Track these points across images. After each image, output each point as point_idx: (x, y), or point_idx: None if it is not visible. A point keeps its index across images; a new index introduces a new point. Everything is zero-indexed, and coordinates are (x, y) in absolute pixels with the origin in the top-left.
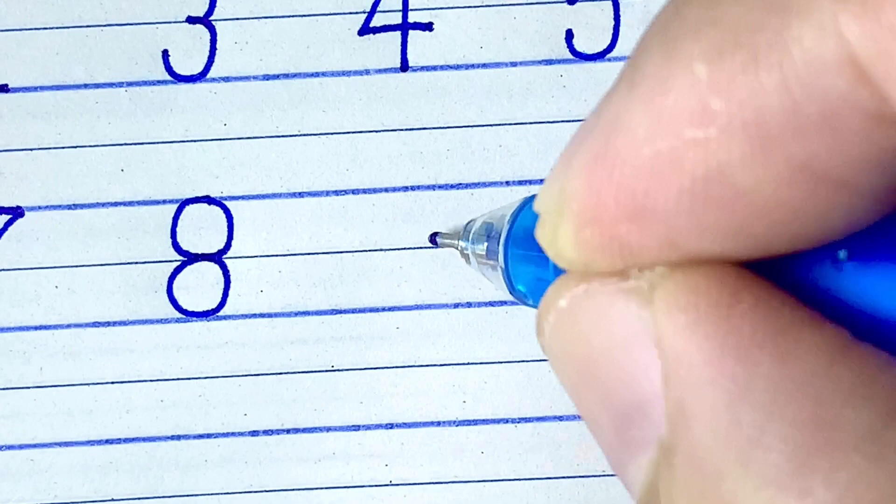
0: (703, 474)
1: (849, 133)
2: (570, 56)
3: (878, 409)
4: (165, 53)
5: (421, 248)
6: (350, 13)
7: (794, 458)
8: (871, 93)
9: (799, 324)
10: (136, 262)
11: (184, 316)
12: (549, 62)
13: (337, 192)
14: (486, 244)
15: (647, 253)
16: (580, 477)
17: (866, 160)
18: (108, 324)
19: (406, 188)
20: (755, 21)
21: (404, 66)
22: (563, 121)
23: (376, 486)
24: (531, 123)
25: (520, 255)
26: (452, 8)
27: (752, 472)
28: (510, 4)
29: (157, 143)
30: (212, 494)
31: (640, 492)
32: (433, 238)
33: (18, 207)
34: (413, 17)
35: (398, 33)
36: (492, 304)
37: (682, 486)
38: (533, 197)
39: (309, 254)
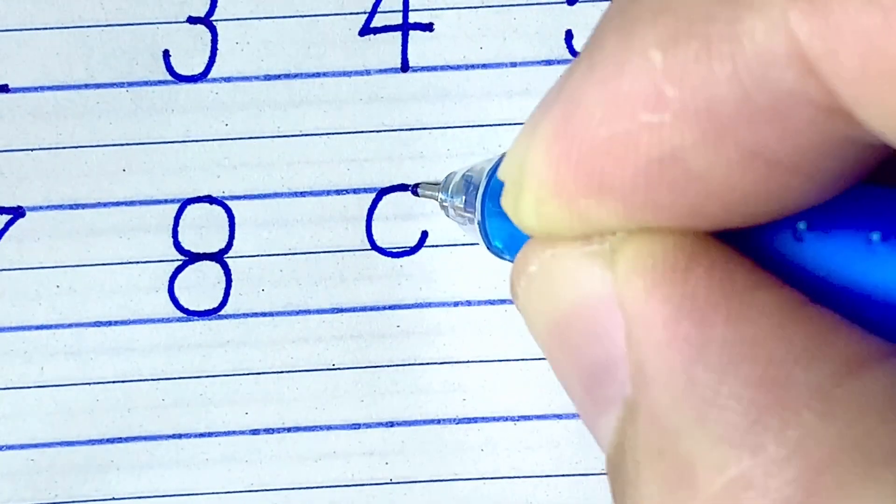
0: (663, 432)
1: (798, 123)
2: (570, 56)
3: (828, 368)
4: (166, 53)
5: (420, 247)
6: (350, 13)
7: (748, 416)
8: (819, 87)
9: (753, 286)
10: (138, 262)
11: (185, 315)
12: (548, 63)
13: (338, 192)
14: (464, 197)
15: (606, 224)
16: (580, 475)
17: (816, 148)
18: (109, 323)
19: (406, 188)
20: (709, 12)
21: (405, 67)
22: None
23: (376, 484)
24: None
25: (496, 210)
26: (453, 8)
27: (707, 430)
28: (510, 5)
29: (159, 143)
30: (213, 493)
31: (608, 448)
32: (414, 189)
33: (19, 207)
34: (413, 18)
35: (398, 34)
36: (491, 302)
37: (644, 443)
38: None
39: (310, 253)
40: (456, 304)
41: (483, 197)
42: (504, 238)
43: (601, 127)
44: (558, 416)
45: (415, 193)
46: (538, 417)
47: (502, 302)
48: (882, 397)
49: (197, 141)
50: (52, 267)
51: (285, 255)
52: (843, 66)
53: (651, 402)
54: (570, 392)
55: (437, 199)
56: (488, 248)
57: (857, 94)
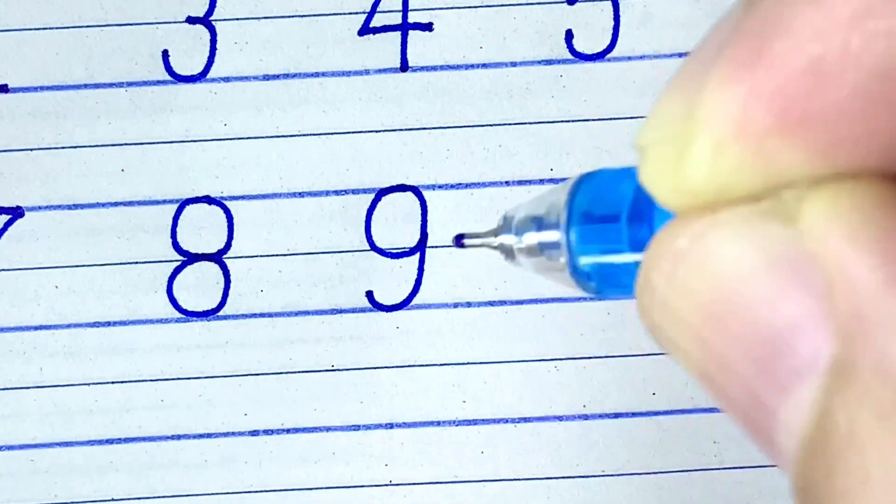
0: None
1: None
2: (570, 56)
3: None
4: (165, 53)
5: (420, 247)
6: (350, 13)
7: None
8: None
9: None
10: (137, 262)
11: (184, 316)
12: (548, 62)
13: (337, 192)
14: (536, 234)
15: (795, 171)
16: (580, 477)
17: None
18: (108, 324)
19: (406, 188)
20: None
21: (404, 67)
22: (562, 121)
23: (376, 486)
24: (531, 123)
25: (586, 237)
26: (452, 8)
27: None
28: (510, 5)
29: (158, 143)
30: (212, 494)
31: (803, 427)
32: (459, 240)
33: (18, 207)
34: (413, 18)
35: (398, 33)
36: (491, 303)
37: (871, 401)
38: (587, 175)
39: (309, 253)
40: (456, 305)
41: (567, 223)
42: (594, 266)
43: (811, 44)
44: (559, 418)
45: (459, 245)
46: (538, 419)
47: (502, 303)
48: None
49: (196, 141)
50: (51, 267)
51: (284, 255)
52: None
53: (877, 352)
54: (730, 382)
55: (493, 246)
56: (575, 280)
57: None
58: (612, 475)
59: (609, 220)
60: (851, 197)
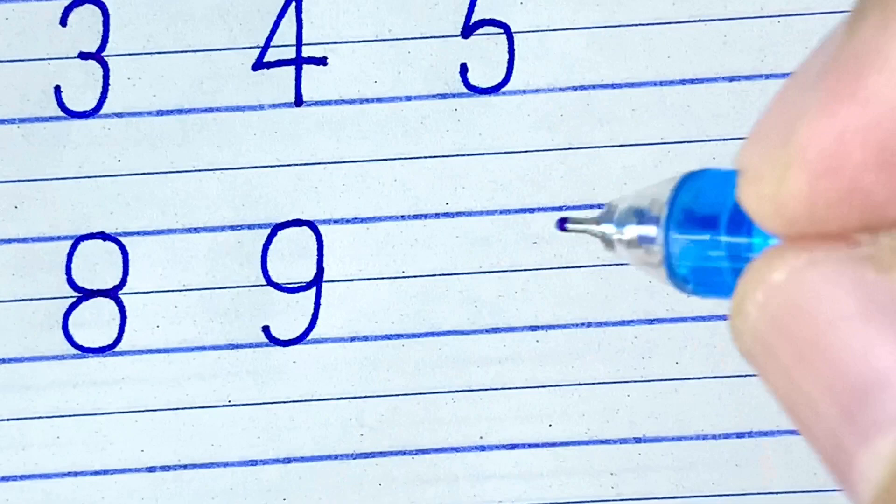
0: None
1: None
2: (465, 90)
3: None
4: (58, 89)
5: (317, 282)
6: (244, 48)
7: None
8: None
9: None
10: (32, 299)
11: (80, 352)
12: (443, 96)
13: (233, 227)
14: (637, 227)
15: (892, 209)
16: None
17: None
18: (3, 360)
19: (301, 223)
20: None
21: (299, 101)
22: (458, 155)
23: None
24: (426, 157)
25: (684, 237)
26: (346, 42)
27: None
28: (404, 38)
29: (51, 179)
30: None
31: (878, 479)
32: (562, 224)
33: None
34: (307, 52)
35: (292, 68)
36: (388, 337)
37: None
38: (693, 174)
39: (205, 289)
40: (352, 339)
41: (667, 220)
42: (692, 267)
43: None
44: (456, 450)
45: (562, 229)
46: (435, 451)
47: (399, 336)
48: None
49: (90, 177)
50: None
51: (180, 290)
52: None
53: None
54: (813, 423)
55: (594, 233)
56: (670, 278)
57: None
58: None
59: (709, 223)
60: None
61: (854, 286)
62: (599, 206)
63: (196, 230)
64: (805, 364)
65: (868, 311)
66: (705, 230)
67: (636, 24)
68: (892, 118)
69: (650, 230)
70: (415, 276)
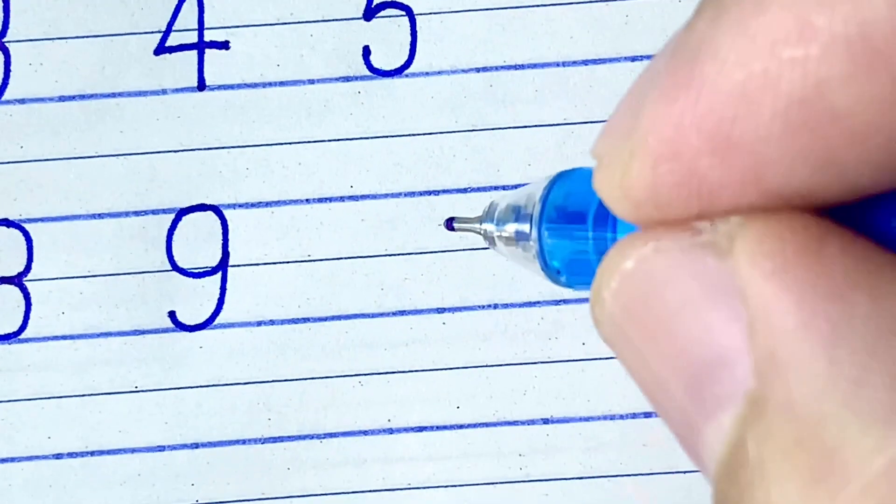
0: (801, 423)
1: None
2: (368, 72)
3: None
4: None
5: (222, 266)
6: (145, 33)
7: None
8: None
9: (891, 264)
10: None
11: None
12: (346, 79)
13: (137, 213)
14: (514, 224)
15: (727, 192)
16: (384, 490)
17: None
18: None
19: (206, 207)
20: None
21: (201, 86)
22: (362, 137)
23: None
24: (330, 141)
25: (555, 232)
26: (248, 26)
27: (857, 413)
28: (306, 22)
29: None
30: None
31: (721, 451)
32: (449, 223)
33: None
34: (209, 36)
35: (194, 52)
36: (295, 321)
37: (777, 437)
38: (564, 173)
39: (110, 275)
40: (259, 323)
41: (539, 217)
42: (564, 260)
43: (735, 69)
44: (364, 433)
45: (450, 228)
46: (343, 434)
47: (305, 320)
48: None
49: None
50: None
51: (85, 277)
52: None
53: (786, 391)
54: (663, 400)
55: (478, 231)
56: (545, 272)
57: None
58: (417, 488)
59: (577, 218)
60: (777, 235)
61: (696, 272)
62: (504, 188)
63: (100, 216)
64: (655, 347)
65: (709, 294)
66: (574, 225)
67: (538, 5)
68: (723, 105)
69: (525, 227)
70: (320, 260)
